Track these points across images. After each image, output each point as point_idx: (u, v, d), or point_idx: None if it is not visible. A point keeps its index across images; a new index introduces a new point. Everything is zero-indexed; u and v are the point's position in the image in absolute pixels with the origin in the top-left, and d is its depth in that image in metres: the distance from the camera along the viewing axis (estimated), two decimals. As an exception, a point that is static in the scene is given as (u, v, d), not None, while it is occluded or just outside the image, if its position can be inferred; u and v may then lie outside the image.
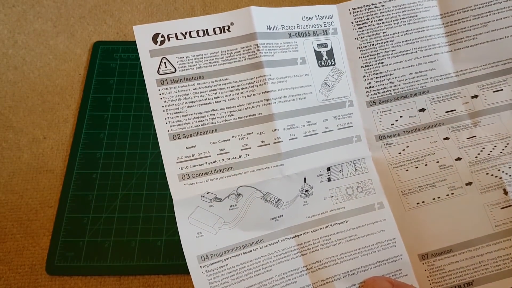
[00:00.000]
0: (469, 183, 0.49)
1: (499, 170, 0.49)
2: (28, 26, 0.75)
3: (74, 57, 0.73)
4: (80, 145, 0.67)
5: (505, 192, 0.48)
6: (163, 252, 0.60)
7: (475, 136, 0.50)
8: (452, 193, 0.49)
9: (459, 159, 0.50)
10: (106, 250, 0.60)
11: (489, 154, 0.49)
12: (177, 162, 0.44)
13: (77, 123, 0.68)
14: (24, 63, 0.72)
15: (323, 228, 0.48)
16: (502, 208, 0.48)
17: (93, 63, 0.73)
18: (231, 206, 0.45)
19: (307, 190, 0.48)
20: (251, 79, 0.46)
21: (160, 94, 0.45)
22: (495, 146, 0.50)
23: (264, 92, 0.46)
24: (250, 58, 0.46)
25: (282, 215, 0.47)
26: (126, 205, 0.63)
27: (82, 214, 0.62)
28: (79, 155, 0.66)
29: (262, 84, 0.46)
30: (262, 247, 0.46)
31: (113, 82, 0.71)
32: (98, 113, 0.69)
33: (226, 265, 0.44)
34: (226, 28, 0.46)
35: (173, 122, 0.45)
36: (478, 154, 0.49)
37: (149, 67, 0.45)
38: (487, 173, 0.49)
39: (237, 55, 0.46)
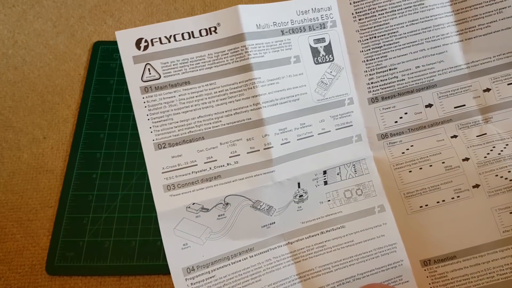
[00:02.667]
0: (477, 186, 0.46)
1: (509, 171, 0.45)
2: (28, 26, 0.74)
3: (74, 57, 0.73)
4: (80, 145, 0.66)
5: (515, 196, 0.45)
6: (163, 252, 0.59)
7: (485, 134, 0.47)
8: (458, 196, 0.46)
9: (466, 159, 0.46)
10: (106, 250, 0.60)
11: (499, 154, 0.46)
12: (163, 173, 0.43)
13: (77, 123, 0.68)
14: (24, 63, 0.72)
15: (318, 234, 0.46)
16: (511, 213, 0.45)
17: (93, 63, 0.72)
18: (219, 215, 0.44)
19: (302, 195, 0.46)
20: (239, 83, 0.44)
21: (144, 102, 0.43)
22: (507, 144, 0.46)
23: (253, 96, 0.44)
24: (238, 61, 0.44)
25: (274, 222, 0.45)
26: (126, 205, 0.63)
27: (82, 214, 0.62)
28: (79, 155, 0.66)
29: (251, 88, 0.44)
30: (252, 256, 0.45)
31: (113, 82, 0.70)
32: (98, 113, 0.69)
33: (213, 276, 0.43)
34: (212, 29, 0.44)
35: (158, 131, 0.43)
36: (488, 154, 0.46)
37: (132, 74, 0.43)
38: (496, 175, 0.46)
39: (224, 58, 0.44)
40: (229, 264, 0.44)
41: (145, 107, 0.44)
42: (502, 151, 0.46)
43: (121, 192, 0.63)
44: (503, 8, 0.47)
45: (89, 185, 0.64)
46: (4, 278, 0.60)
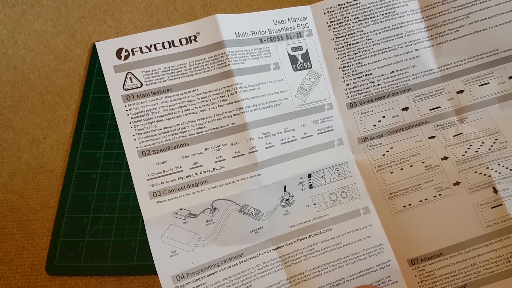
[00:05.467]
0: (457, 183, 0.47)
1: (487, 168, 0.47)
2: (28, 26, 0.74)
3: (74, 57, 0.73)
4: (80, 145, 0.66)
5: (495, 191, 0.46)
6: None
7: (461, 133, 0.48)
8: (440, 194, 0.47)
9: (445, 158, 0.48)
10: (106, 250, 0.59)
11: (476, 151, 0.47)
12: (148, 180, 0.43)
13: (77, 123, 0.67)
14: (24, 63, 0.71)
15: (306, 237, 0.46)
16: (492, 208, 0.46)
17: (93, 63, 0.72)
18: (206, 221, 0.44)
19: (288, 199, 0.46)
20: (221, 88, 0.44)
21: (126, 110, 0.44)
22: (483, 142, 0.48)
23: (236, 101, 0.44)
24: (219, 67, 0.44)
25: (262, 227, 0.45)
26: (126, 205, 0.62)
27: (82, 214, 0.61)
28: (79, 155, 0.65)
29: (233, 93, 0.44)
30: (242, 261, 0.44)
31: (113, 81, 0.70)
32: (98, 113, 0.68)
33: (203, 283, 0.43)
34: (192, 38, 0.45)
35: (142, 138, 0.43)
36: (466, 152, 0.48)
37: (113, 83, 0.44)
38: (476, 172, 0.47)
39: (205, 65, 0.45)
40: (219, 271, 0.43)
41: (128, 115, 0.44)
42: (479, 148, 0.47)
43: (121, 192, 0.62)
44: (470, 14, 0.49)
45: (89, 185, 0.63)
46: (4, 278, 0.58)
